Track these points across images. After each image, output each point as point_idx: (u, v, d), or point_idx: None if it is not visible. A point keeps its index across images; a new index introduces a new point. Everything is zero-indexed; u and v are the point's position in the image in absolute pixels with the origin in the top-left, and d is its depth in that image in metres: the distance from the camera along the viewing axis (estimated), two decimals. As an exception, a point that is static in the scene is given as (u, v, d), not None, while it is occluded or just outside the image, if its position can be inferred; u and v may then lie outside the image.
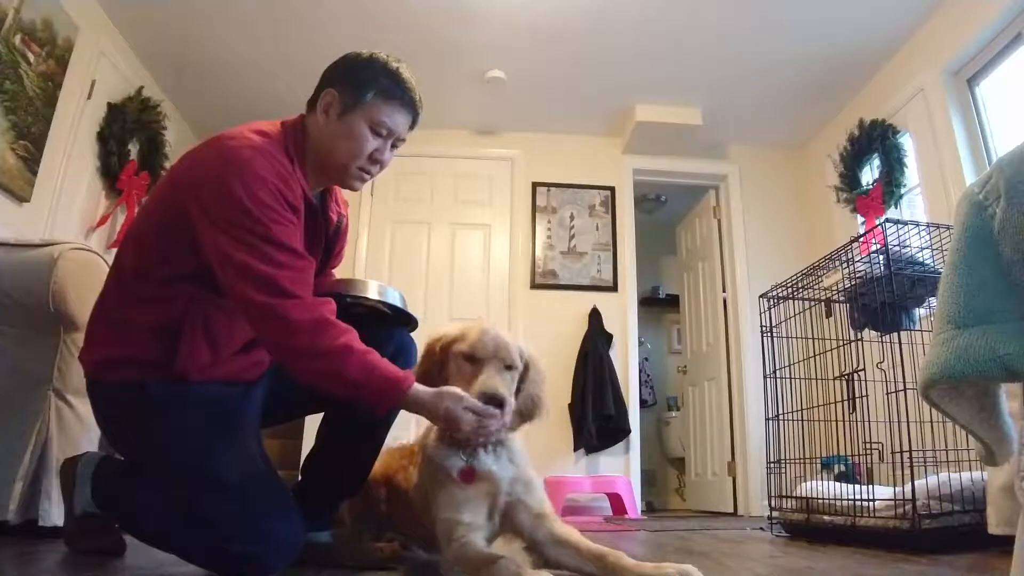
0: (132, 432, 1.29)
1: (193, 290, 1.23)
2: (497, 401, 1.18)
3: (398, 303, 1.50)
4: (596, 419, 3.90)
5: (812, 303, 2.56)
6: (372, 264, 4.26)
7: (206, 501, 1.19)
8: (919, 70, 3.44)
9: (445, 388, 1.19)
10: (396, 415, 1.50)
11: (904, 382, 1.92)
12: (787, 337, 2.54)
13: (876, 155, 3.71)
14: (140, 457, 1.31)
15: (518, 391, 1.29)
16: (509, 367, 1.27)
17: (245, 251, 1.14)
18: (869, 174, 3.81)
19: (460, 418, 1.15)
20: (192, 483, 1.21)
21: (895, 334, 2.03)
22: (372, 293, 1.50)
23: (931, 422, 2.01)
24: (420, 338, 1.60)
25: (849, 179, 3.87)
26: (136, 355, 1.25)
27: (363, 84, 1.30)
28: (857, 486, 2.09)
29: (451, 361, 1.28)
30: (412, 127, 1.38)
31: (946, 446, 2.06)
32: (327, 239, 1.43)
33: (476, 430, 1.17)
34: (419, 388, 1.17)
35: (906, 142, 3.61)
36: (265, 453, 1.32)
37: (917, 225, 2.20)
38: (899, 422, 1.91)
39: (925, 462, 1.96)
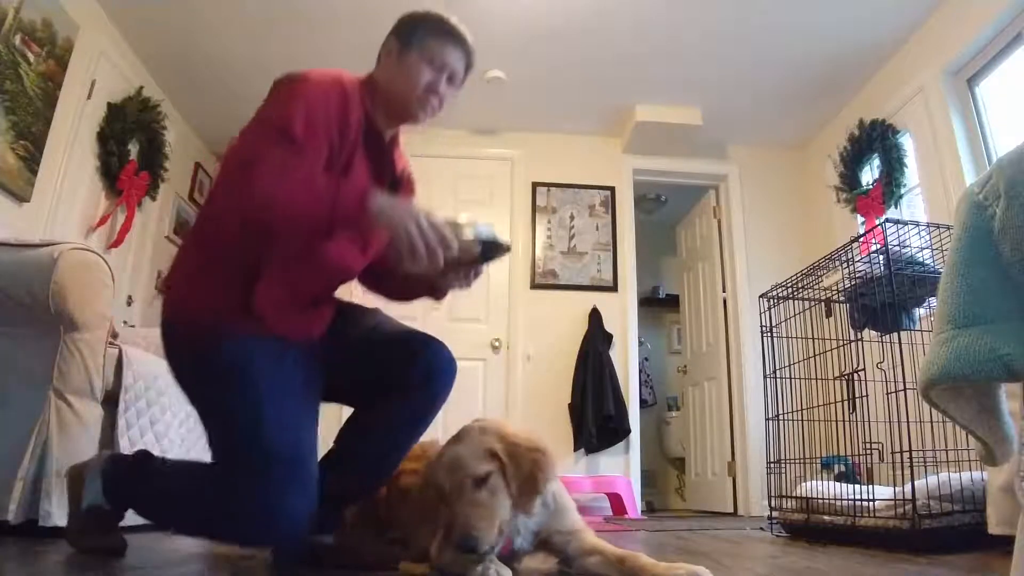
0: (193, 377, 1.35)
1: (269, 239, 1.30)
2: (471, 547, 1.11)
3: (488, 236, 1.36)
4: (596, 419, 3.90)
5: (812, 303, 2.56)
6: (372, 264, 4.26)
7: (239, 456, 1.25)
8: (919, 70, 3.44)
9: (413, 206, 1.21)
10: (426, 427, 1.49)
11: (904, 382, 1.92)
12: (787, 337, 2.54)
13: (876, 155, 3.71)
14: (195, 402, 1.36)
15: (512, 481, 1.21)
16: (482, 480, 1.18)
17: (256, 125, 1.25)
18: (869, 174, 3.81)
19: (415, 240, 1.16)
20: (232, 434, 1.27)
21: (895, 334, 2.04)
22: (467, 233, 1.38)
23: (931, 422, 2.01)
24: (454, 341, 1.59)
25: (849, 179, 3.87)
26: (211, 301, 1.31)
27: (415, 26, 1.44)
28: (857, 486, 2.09)
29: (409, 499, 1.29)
30: (467, 68, 1.47)
31: (946, 446, 2.06)
32: (392, 180, 1.50)
33: (420, 253, 1.16)
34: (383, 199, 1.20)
35: (906, 142, 3.61)
36: (307, 423, 1.34)
37: (917, 225, 2.20)
38: (899, 422, 1.91)
39: (925, 462, 1.96)
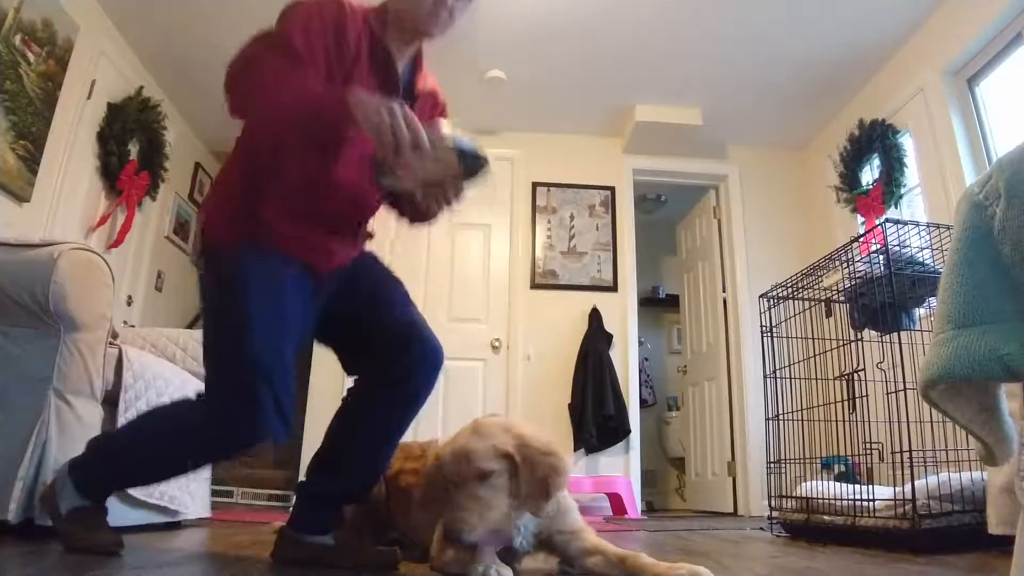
0: (202, 294, 1.40)
1: (278, 154, 1.34)
2: (455, 535, 1.15)
3: (467, 146, 1.30)
4: (596, 419, 3.90)
5: (812, 303, 2.56)
6: (372, 264, 4.26)
7: (229, 373, 1.30)
8: (919, 70, 3.44)
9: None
10: (412, 419, 1.49)
11: (904, 382, 1.92)
12: (787, 337, 2.54)
13: (876, 155, 3.71)
14: (204, 321, 1.40)
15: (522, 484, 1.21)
16: (486, 476, 1.19)
17: (256, 44, 1.26)
18: (869, 174, 3.81)
19: (378, 124, 1.14)
20: (224, 353, 1.32)
21: (895, 334, 2.04)
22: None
23: (931, 422, 2.01)
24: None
25: (849, 179, 3.87)
26: (224, 220, 1.35)
27: None
28: (857, 486, 2.09)
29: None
30: None
31: (946, 446, 2.06)
32: (409, 101, 1.46)
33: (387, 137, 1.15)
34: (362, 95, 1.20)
35: (906, 142, 3.61)
36: (292, 348, 1.35)
37: (917, 225, 2.20)
38: (899, 422, 1.91)
39: (925, 462, 1.96)
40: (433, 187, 1.29)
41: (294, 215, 1.35)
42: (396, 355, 1.43)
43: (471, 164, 1.26)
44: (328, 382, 3.74)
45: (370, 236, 1.56)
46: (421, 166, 1.19)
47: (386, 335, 1.45)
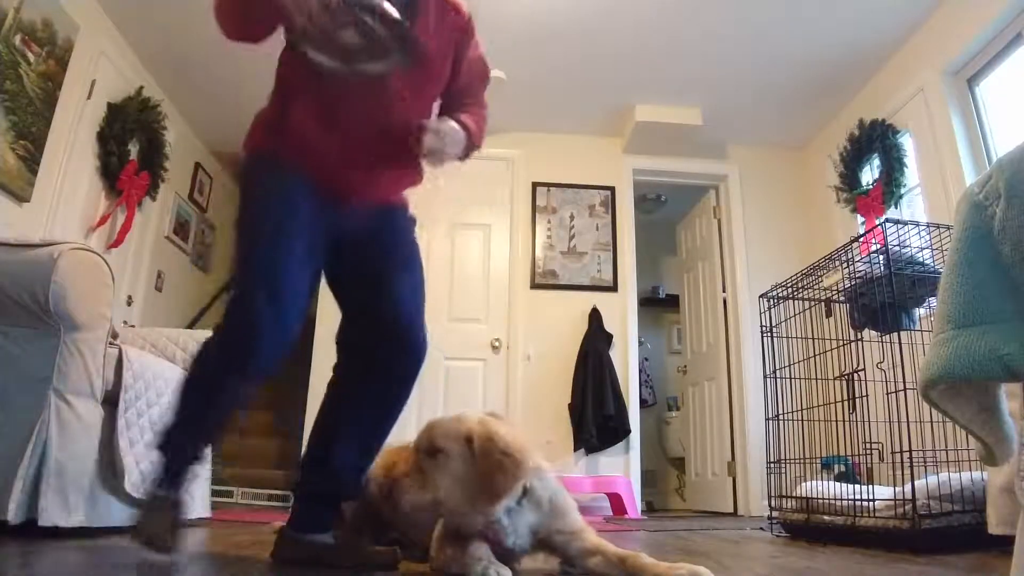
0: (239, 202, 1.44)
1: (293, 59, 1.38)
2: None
3: (384, 7, 1.23)
4: (596, 419, 3.90)
5: (812, 303, 2.56)
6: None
7: (237, 282, 1.36)
8: (919, 70, 3.44)
9: None
10: (401, 409, 1.49)
11: (904, 382, 1.92)
12: (787, 337, 2.54)
13: (876, 155, 3.71)
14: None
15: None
16: (435, 453, 1.23)
17: None
18: (869, 174, 3.81)
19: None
20: (236, 256, 1.37)
21: (895, 334, 2.04)
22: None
23: (931, 422, 2.01)
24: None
25: (849, 179, 3.87)
26: (254, 135, 1.43)
27: None
28: (857, 486, 2.09)
29: None
30: None
31: (946, 446, 2.06)
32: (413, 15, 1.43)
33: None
34: None
35: (906, 142, 3.61)
36: (303, 279, 1.36)
37: (917, 225, 2.20)
38: (899, 422, 1.91)
39: (925, 462, 1.96)
40: (358, 60, 1.26)
41: (307, 124, 1.37)
42: (384, 344, 1.44)
43: (392, 28, 1.20)
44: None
45: (413, 182, 1.58)
46: (337, 32, 1.18)
47: (380, 324, 1.46)
